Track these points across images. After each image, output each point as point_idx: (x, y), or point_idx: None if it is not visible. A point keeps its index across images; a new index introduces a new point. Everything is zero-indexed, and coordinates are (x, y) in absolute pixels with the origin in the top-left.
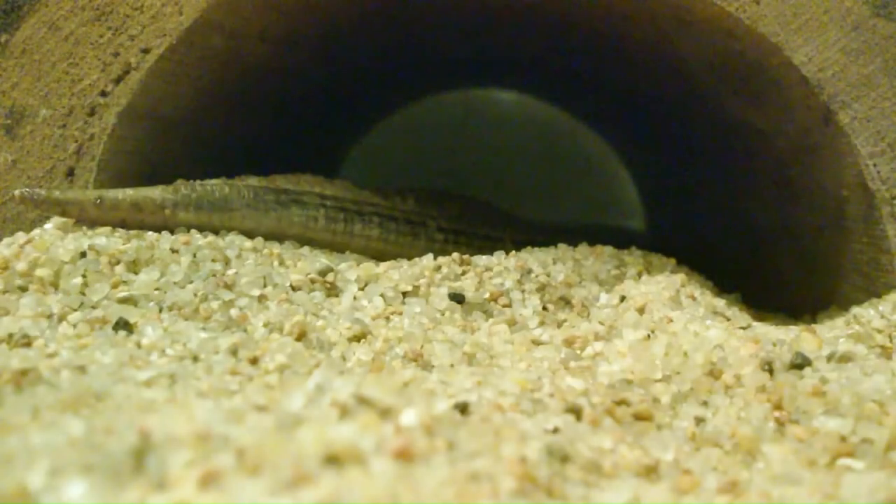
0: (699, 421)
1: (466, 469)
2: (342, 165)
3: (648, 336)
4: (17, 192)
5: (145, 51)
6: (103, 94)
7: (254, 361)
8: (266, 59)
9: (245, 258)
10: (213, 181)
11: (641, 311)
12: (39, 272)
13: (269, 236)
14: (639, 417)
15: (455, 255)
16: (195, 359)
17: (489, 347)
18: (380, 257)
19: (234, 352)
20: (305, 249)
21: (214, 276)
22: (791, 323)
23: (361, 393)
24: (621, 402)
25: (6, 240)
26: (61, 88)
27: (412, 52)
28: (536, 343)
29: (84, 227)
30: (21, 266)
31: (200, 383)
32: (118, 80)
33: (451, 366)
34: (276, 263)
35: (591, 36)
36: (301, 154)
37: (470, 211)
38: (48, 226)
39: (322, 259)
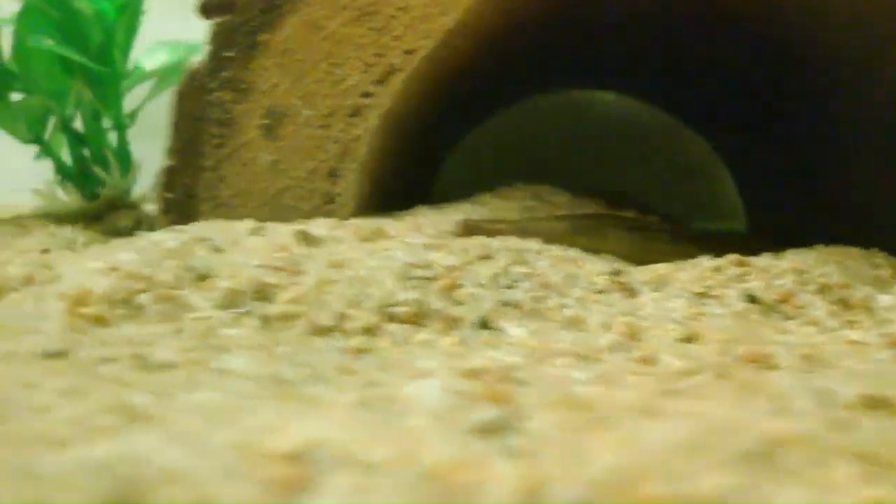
0: None
1: None
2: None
3: None
4: (457, 220)
5: (409, 52)
6: (366, 94)
7: (646, 362)
8: (461, 56)
9: (537, 259)
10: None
11: None
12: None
13: (628, 257)
14: None
15: (732, 255)
16: (585, 358)
17: (822, 349)
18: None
19: (615, 351)
20: (573, 251)
21: (530, 277)
22: None
23: (864, 392)
24: None
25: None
26: (323, 89)
27: (557, 48)
28: (856, 343)
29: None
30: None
31: (628, 382)
32: (381, 82)
33: (796, 367)
34: (565, 265)
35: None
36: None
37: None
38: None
39: (597, 261)
